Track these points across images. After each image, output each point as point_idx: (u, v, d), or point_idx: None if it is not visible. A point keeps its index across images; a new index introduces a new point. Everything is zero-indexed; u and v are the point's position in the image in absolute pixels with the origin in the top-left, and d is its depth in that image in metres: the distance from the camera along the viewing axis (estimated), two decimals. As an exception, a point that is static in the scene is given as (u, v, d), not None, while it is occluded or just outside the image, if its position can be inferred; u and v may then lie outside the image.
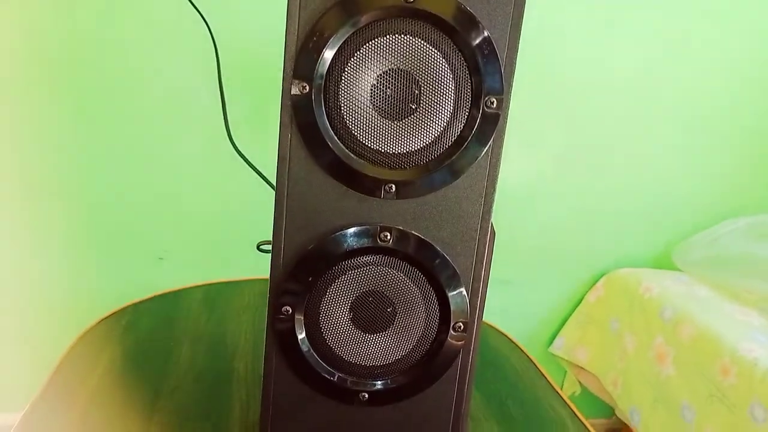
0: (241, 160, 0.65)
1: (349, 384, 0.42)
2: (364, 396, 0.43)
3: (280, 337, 0.41)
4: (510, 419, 0.69)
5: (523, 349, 0.86)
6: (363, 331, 0.42)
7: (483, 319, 0.92)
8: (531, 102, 1.12)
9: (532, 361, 0.83)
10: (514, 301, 1.22)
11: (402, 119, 0.38)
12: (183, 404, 0.66)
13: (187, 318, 0.86)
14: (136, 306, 0.87)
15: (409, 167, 0.39)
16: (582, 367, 1.21)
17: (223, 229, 1.11)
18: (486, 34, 0.37)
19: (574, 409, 0.72)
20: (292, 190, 0.39)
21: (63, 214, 1.08)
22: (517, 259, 1.21)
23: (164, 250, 1.11)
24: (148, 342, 0.78)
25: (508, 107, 0.39)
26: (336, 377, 0.42)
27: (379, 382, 0.43)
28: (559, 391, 0.76)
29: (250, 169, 0.62)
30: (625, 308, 1.13)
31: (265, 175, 0.64)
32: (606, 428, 1.32)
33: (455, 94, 0.38)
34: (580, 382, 1.26)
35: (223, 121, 0.70)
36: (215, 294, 0.94)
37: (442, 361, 0.43)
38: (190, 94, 1.03)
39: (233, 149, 0.76)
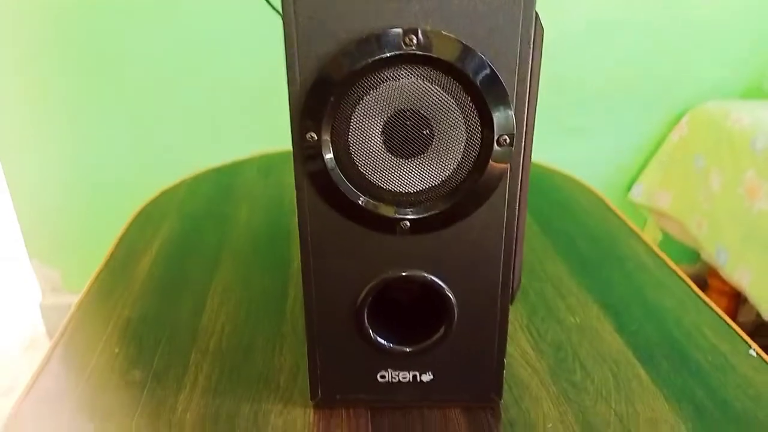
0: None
1: (388, 212, 0.39)
2: (405, 224, 0.40)
3: (309, 167, 0.38)
4: (580, 257, 0.66)
5: (592, 188, 0.81)
6: (398, 156, 0.38)
7: (549, 165, 0.86)
8: None
9: (602, 199, 0.78)
10: (588, 149, 1.15)
11: None
12: (244, 260, 0.67)
13: (244, 185, 0.86)
14: (194, 178, 0.87)
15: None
16: (663, 213, 1.14)
17: (275, 98, 1.08)
18: None
19: (651, 245, 0.67)
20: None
21: (120, 93, 1.08)
22: (590, 104, 1.12)
23: (218, 126, 1.11)
24: (207, 208, 0.79)
25: None
26: (373, 205, 0.39)
27: (421, 209, 0.39)
28: (634, 227, 0.71)
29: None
30: (712, 143, 1.03)
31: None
32: (690, 274, 1.26)
33: None
34: (661, 229, 1.19)
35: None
36: (271, 162, 0.93)
37: (487, 180, 0.38)
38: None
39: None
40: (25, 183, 1.13)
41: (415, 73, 0.36)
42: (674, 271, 0.63)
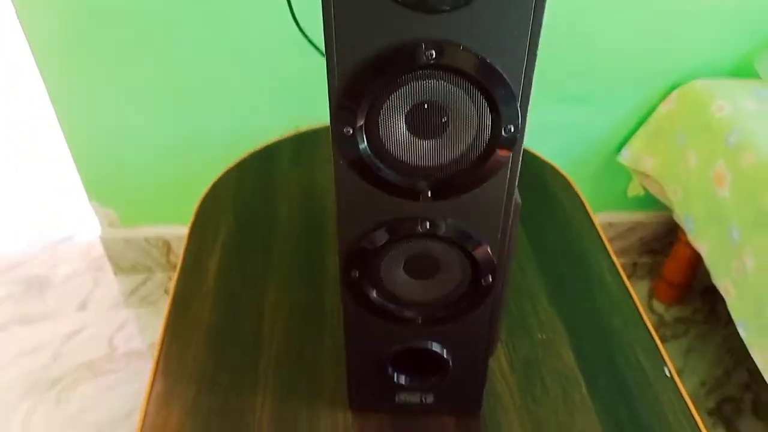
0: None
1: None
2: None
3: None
4: (556, 273, 0.83)
5: (578, 191, 0.95)
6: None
7: (546, 158, 0.98)
8: None
9: (584, 205, 0.93)
10: (586, 115, 1.26)
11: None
12: (288, 267, 0.84)
13: (280, 174, 1.01)
14: (238, 167, 1.02)
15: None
16: (647, 174, 1.28)
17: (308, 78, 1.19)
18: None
19: (615, 260, 0.84)
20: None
21: (168, 43, 1.19)
22: (593, 74, 1.21)
23: (254, 102, 1.22)
24: (253, 207, 0.94)
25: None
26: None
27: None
28: (605, 240, 0.87)
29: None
30: (693, 125, 1.15)
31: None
32: (666, 220, 1.43)
33: None
34: (643, 187, 1.34)
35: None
36: (303, 145, 1.07)
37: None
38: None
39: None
40: (82, 134, 1.27)
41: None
42: (627, 290, 0.80)
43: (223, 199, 0.96)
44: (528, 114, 0.45)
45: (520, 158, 0.47)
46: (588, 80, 1.22)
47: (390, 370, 0.62)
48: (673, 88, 1.22)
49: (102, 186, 1.34)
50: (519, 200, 0.53)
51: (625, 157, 1.29)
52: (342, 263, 0.53)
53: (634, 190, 1.36)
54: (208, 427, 0.66)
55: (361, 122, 0.45)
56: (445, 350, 0.60)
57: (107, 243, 1.43)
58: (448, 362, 0.61)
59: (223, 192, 0.97)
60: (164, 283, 1.47)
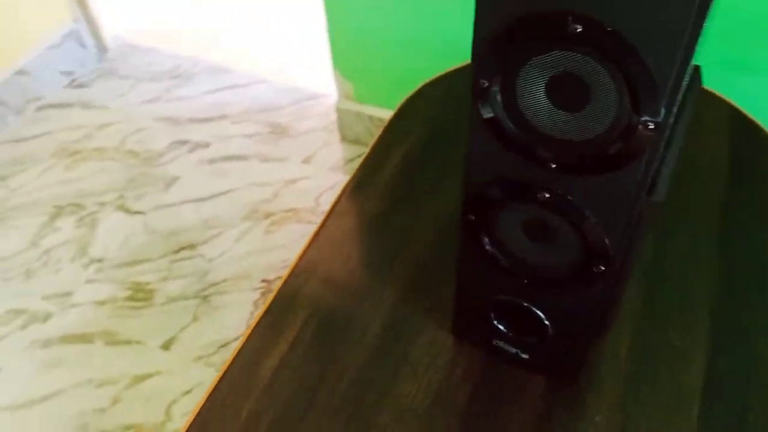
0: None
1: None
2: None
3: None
4: (731, 282, 0.74)
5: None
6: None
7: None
8: None
9: None
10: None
11: None
12: (458, 184, 0.87)
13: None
14: (450, 75, 1.04)
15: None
16: None
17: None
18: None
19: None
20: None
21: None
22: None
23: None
24: (448, 119, 0.97)
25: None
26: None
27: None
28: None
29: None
30: None
31: None
32: None
33: None
34: None
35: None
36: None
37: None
38: None
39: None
40: (341, 6, 1.39)
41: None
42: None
43: (426, 102, 1.00)
44: (676, 109, 0.40)
45: (659, 156, 0.43)
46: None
47: (491, 314, 0.64)
48: None
49: (347, 59, 1.46)
50: (663, 198, 0.49)
51: None
52: (463, 205, 0.55)
53: None
54: (336, 300, 0.75)
55: (499, 78, 0.45)
56: (546, 317, 0.60)
57: (340, 112, 1.59)
58: (548, 329, 0.60)
59: (429, 95, 1.01)
60: (375, 162, 1.60)
